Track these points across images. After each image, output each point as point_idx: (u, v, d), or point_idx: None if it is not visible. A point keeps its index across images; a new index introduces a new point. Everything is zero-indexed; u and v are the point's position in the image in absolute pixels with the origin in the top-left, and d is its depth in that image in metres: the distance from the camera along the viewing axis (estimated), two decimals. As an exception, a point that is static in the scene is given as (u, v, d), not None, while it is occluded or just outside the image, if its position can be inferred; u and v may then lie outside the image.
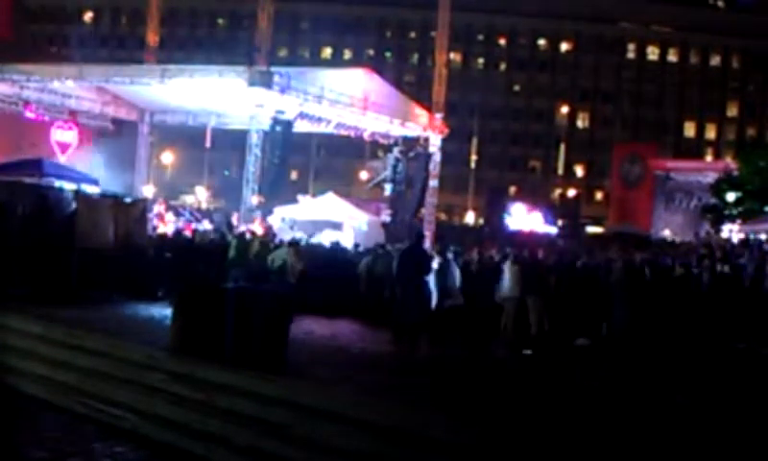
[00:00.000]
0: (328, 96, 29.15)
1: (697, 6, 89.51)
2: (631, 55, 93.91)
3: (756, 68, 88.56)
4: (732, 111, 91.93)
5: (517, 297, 16.88)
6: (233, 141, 52.67)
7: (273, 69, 28.14)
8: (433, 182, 35.89)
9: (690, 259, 24.13)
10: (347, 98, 30.12)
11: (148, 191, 36.58)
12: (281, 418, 10.67)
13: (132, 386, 12.41)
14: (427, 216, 36.68)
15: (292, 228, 30.41)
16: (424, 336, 15.58)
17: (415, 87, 70.67)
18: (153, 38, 38.51)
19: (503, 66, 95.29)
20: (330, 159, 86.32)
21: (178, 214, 34.09)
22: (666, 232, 51.39)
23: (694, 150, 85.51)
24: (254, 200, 27.86)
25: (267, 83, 26.88)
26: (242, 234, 22.97)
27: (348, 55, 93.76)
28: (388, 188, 35.59)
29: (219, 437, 10.75)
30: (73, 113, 33.75)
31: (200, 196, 66.27)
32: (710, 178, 50.34)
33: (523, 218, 46.88)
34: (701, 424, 10.97)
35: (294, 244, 21.46)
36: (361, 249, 24.15)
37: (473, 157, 79.37)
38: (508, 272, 17.06)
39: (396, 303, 15.96)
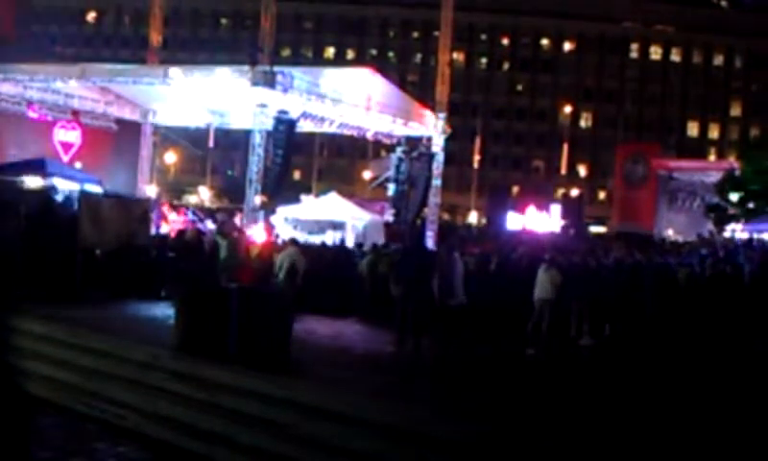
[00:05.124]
0: (331, 96, 29.10)
1: (700, 5, 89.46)
2: (634, 54, 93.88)
3: (760, 68, 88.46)
4: (736, 111, 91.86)
5: (552, 299, 16.63)
6: (236, 141, 52.72)
7: (276, 69, 28.03)
8: (436, 182, 35.80)
9: (693, 259, 24.14)
10: (350, 98, 30.05)
11: (151, 191, 36.57)
12: (284, 417, 10.68)
13: (135, 386, 12.42)
14: (430, 216, 36.61)
15: (295, 228, 30.41)
16: (427, 336, 15.56)
17: (418, 87, 70.75)
18: (156, 38, 38.39)
19: (506, 66, 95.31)
20: (333, 159, 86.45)
21: (181, 214, 34.10)
22: (669, 232, 51.30)
23: (697, 149, 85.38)
24: (258, 199, 27.83)
25: (270, 82, 26.83)
26: (235, 235, 22.86)
27: (350, 54, 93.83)
28: (391, 188, 35.52)
29: (221, 436, 10.76)
30: (76, 113, 33.74)
31: (203, 196, 66.37)
32: (714, 177, 50.32)
33: (533, 218, 46.89)
34: (703, 422, 10.97)
35: (297, 243, 21.43)
36: (364, 248, 24.14)
37: (476, 157, 79.31)
38: (543, 275, 16.79)
39: (397, 303, 15.92)
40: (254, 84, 26.76)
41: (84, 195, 22.08)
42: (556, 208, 48.54)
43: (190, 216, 34.32)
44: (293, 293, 16.86)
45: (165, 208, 32.57)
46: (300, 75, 28.55)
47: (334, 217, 33.15)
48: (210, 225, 31.46)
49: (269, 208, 28.82)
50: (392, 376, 13.55)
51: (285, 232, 27.65)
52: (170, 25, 53.41)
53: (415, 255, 16.42)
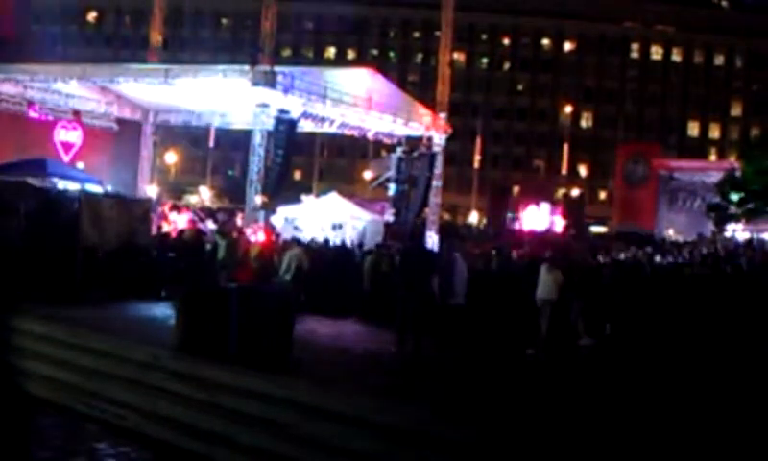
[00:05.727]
0: (332, 96, 29.14)
1: (701, 5, 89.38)
2: (634, 54, 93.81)
3: (760, 68, 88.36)
4: (736, 111, 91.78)
5: (554, 299, 16.61)
6: (237, 141, 52.76)
7: (276, 69, 28.09)
8: (437, 182, 35.84)
9: (694, 259, 24.17)
10: (350, 98, 30.09)
11: (151, 191, 36.58)
12: (284, 417, 10.68)
13: (135, 386, 12.42)
14: (431, 216, 36.65)
15: (296, 228, 30.41)
16: (427, 336, 15.54)
17: (418, 87, 70.67)
18: (156, 38, 38.48)
19: (507, 66, 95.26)
20: (334, 159, 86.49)
21: (181, 214, 34.08)
22: (670, 232, 51.34)
23: (698, 149, 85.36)
24: (258, 199, 27.85)
25: (270, 82, 26.86)
26: (235, 235, 22.88)
27: (351, 54, 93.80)
28: (391, 188, 35.56)
29: (221, 436, 10.76)
30: (77, 113, 33.75)
31: (203, 196, 66.32)
32: (714, 177, 50.35)
33: (534, 218, 47.20)
34: (704, 422, 10.97)
35: (300, 242, 21.48)
36: (365, 248, 24.13)
37: (477, 157, 79.29)
38: (546, 275, 16.76)
39: (398, 303, 15.91)
40: (255, 83, 26.78)
41: (85, 195, 22.08)
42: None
43: (191, 216, 34.34)
44: (299, 293, 16.88)
45: (166, 209, 32.56)
46: (300, 75, 28.60)
47: (334, 217, 33.14)
48: (211, 225, 31.46)
49: (269, 208, 28.86)
50: (392, 376, 13.55)
51: (286, 232, 27.67)
52: (170, 25, 53.50)
53: (415, 255, 16.39)
